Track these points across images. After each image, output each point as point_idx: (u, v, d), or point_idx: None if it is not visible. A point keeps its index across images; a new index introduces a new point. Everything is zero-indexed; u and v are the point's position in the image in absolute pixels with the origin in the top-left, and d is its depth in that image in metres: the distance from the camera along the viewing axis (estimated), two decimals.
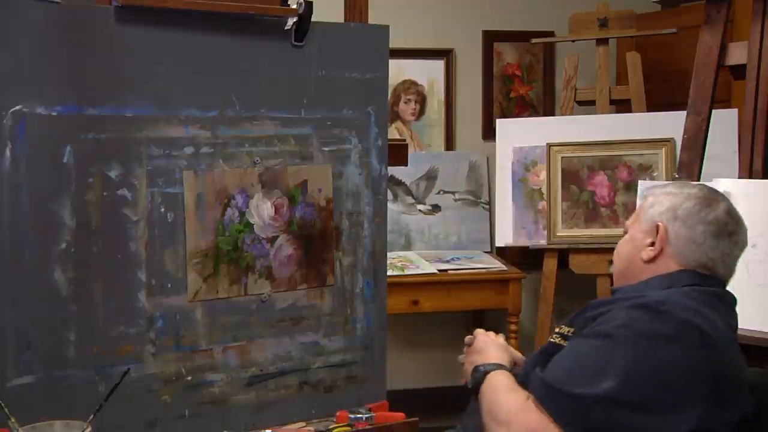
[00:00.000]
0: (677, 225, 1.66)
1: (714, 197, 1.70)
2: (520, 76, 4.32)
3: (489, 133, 4.12)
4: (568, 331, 1.61)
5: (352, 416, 1.87)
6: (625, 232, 1.77)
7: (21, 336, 1.62)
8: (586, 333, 1.53)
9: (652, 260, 1.67)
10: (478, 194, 4.08)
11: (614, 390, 1.40)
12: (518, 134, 3.61)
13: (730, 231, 1.66)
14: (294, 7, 1.85)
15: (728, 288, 1.67)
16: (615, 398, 1.41)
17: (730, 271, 1.69)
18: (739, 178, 2.26)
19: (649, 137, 3.23)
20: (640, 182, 2.43)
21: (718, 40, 2.36)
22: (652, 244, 1.68)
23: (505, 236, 3.64)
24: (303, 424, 1.91)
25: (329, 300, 1.97)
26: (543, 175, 3.51)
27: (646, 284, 1.66)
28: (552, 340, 1.63)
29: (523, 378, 1.60)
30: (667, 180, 2.90)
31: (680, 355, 1.44)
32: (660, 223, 1.67)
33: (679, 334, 1.46)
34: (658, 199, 1.72)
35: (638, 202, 2.36)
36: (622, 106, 3.71)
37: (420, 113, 4.20)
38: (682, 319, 1.48)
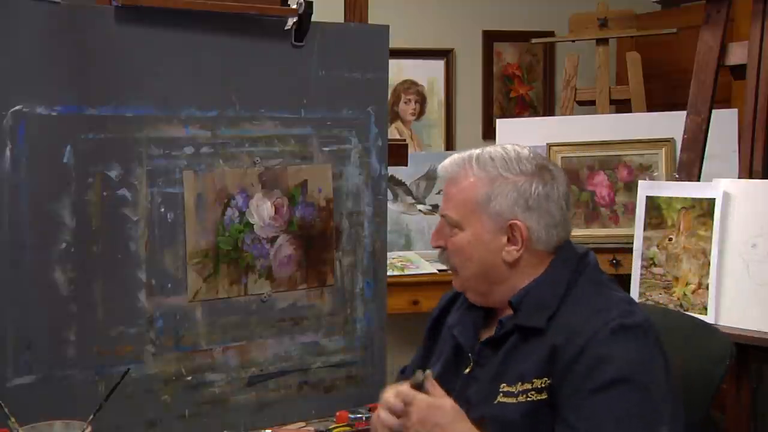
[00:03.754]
0: (534, 217, 1.49)
1: (543, 164, 1.53)
2: (520, 76, 4.32)
3: (489, 133, 4.12)
4: (544, 383, 1.40)
5: (352, 416, 1.87)
6: (453, 224, 1.52)
7: (21, 336, 1.62)
8: (598, 385, 1.34)
9: (517, 261, 1.51)
10: None
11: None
12: (518, 134, 3.60)
13: (569, 194, 1.57)
14: (294, 7, 1.85)
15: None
16: None
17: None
18: (739, 178, 2.25)
19: (649, 137, 3.22)
20: (640, 182, 2.42)
21: (718, 40, 2.36)
22: (508, 241, 1.50)
23: None
24: (303, 424, 1.91)
25: (329, 300, 1.97)
26: None
27: (546, 285, 1.49)
28: (530, 398, 1.40)
29: None
30: (667, 180, 2.90)
31: (666, 359, 1.43)
32: (516, 221, 1.49)
33: (657, 341, 1.43)
34: (495, 189, 1.50)
35: (639, 202, 2.35)
36: (622, 106, 3.71)
37: (420, 113, 4.20)
38: (647, 320, 1.44)
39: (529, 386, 1.41)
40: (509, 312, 1.51)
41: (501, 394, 1.43)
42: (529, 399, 1.40)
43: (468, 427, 1.36)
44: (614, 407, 1.33)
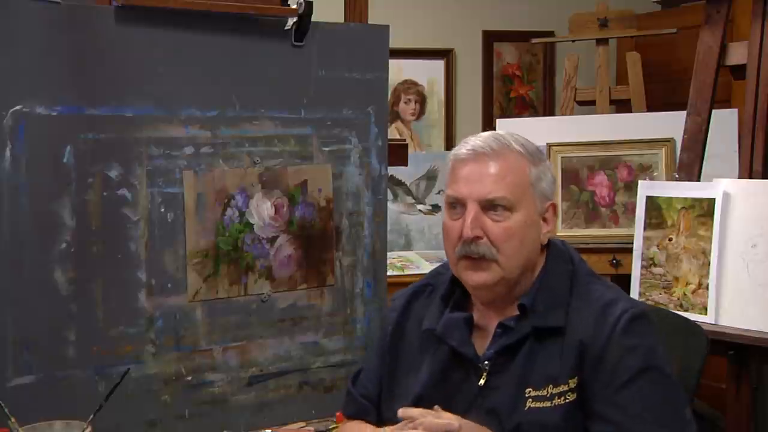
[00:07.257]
0: (556, 199, 1.52)
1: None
2: (520, 76, 4.32)
3: None
4: (575, 382, 1.39)
5: None
6: (504, 207, 1.42)
7: (21, 336, 1.62)
8: (628, 376, 1.36)
9: (543, 247, 1.49)
10: None
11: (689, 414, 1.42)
12: (518, 134, 3.60)
13: None
14: (294, 7, 1.85)
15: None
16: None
17: None
18: (739, 178, 2.25)
19: (649, 137, 3.22)
20: (640, 182, 2.42)
21: (718, 40, 2.36)
22: (544, 222, 1.48)
23: None
24: (303, 424, 1.91)
25: (329, 300, 1.97)
26: None
27: (553, 282, 1.46)
28: (567, 399, 1.39)
29: None
30: (667, 180, 2.90)
31: None
32: (553, 203, 1.49)
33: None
34: (540, 168, 1.47)
35: (639, 202, 2.35)
36: (622, 106, 3.70)
37: (420, 113, 4.20)
38: (645, 307, 1.50)
39: (564, 388, 1.39)
40: (510, 313, 1.46)
41: (530, 400, 1.39)
42: (567, 401, 1.38)
43: None
44: (646, 396, 1.36)
